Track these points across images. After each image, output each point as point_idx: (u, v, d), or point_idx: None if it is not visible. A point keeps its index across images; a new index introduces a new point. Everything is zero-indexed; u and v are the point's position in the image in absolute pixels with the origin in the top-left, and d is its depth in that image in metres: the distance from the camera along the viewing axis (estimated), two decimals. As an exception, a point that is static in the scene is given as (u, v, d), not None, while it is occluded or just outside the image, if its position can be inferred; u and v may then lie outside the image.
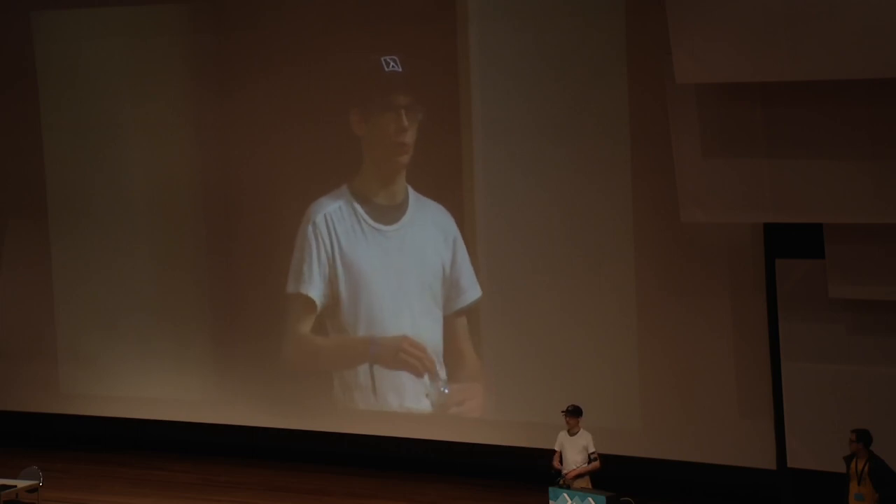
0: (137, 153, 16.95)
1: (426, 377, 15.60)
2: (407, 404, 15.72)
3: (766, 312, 13.52)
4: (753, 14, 11.69)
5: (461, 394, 15.53)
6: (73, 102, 17.12)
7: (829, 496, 11.87)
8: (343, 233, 15.85)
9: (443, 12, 15.14)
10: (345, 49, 15.65)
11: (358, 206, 15.81)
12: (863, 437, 11.40)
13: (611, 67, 14.33)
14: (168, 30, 16.63)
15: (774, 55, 11.67)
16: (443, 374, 15.58)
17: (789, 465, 13.29)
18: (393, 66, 15.44)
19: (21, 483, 13.94)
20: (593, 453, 12.58)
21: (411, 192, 15.63)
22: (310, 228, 15.96)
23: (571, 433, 12.69)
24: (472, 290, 15.35)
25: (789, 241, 13.19)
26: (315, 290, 15.95)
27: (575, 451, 12.62)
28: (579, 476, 12.54)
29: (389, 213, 15.71)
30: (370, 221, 15.75)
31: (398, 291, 15.66)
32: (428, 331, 15.56)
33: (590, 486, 12.54)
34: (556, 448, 12.75)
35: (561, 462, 12.68)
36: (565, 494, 12.34)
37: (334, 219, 15.87)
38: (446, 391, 15.56)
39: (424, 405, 15.68)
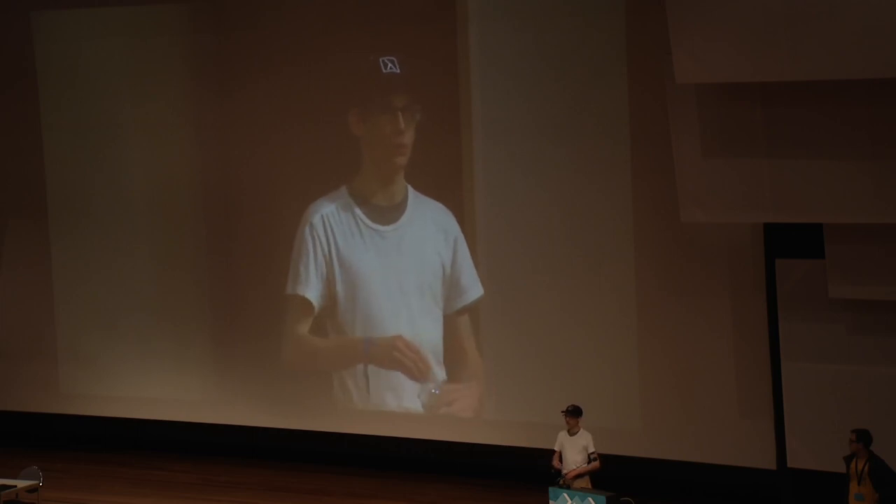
0: (137, 153, 16.95)
1: (418, 377, 15.61)
2: (405, 404, 15.72)
3: (766, 312, 13.52)
4: (753, 14, 11.68)
5: (451, 394, 15.54)
6: (73, 102, 17.12)
7: (829, 496, 11.87)
8: (340, 234, 15.85)
9: (443, 12, 15.14)
10: (344, 49, 15.65)
11: (356, 207, 15.80)
12: (863, 437, 11.40)
13: (611, 67, 14.33)
14: (168, 30, 16.63)
15: (774, 55, 11.67)
16: (440, 374, 15.57)
17: (789, 465, 13.29)
18: (391, 68, 15.44)
19: (21, 483, 13.94)
20: (593, 453, 12.58)
21: (411, 191, 15.63)
22: (307, 229, 15.96)
23: (571, 433, 12.69)
24: (473, 289, 15.35)
25: (789, 241, 13.19)
26: (312, 292, 15.95)
27: (575, 451, 12.62)
28: (579, 476, 12.54)
29: (388, 213, 15.71)
30: (368, 222, 15.75)
31: (396, 291, 15.66)
32: (427, 331, 15.56)
33: (590, 486, 12.54)
34: (556, 448, 12.74)
35: (561, 462, 12.67)
36: (565, 494, 12.34)
37: (332, 220, 15.87)
38: (436, 392, 15.56)
39: (419, 405, 15.68)
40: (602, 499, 12.06)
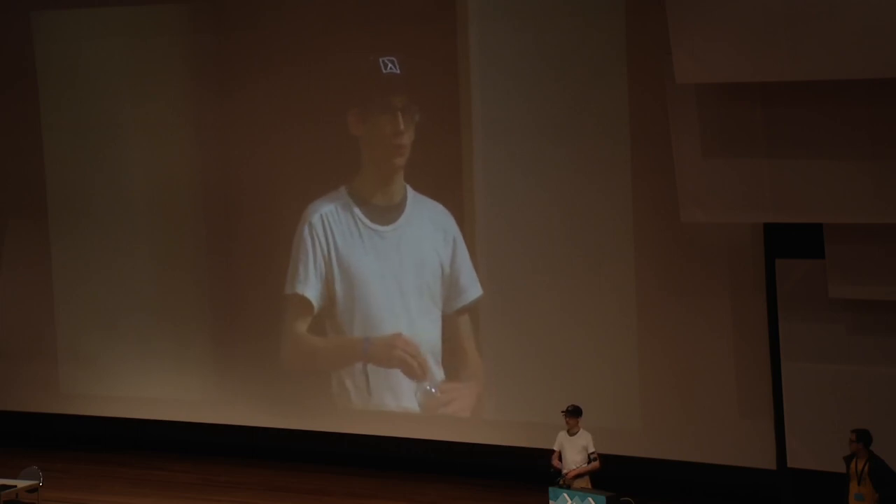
0: (137, 153, 16.95)
1: (417, 376, 15.61)
2: (404, 404, 15.72)
3: (766, 312, 13.52)
4: (753, 14, 11.68)
5: (449, 394, 15.54)
6: (73, 102, 17.12)
7: (829, 496, 11.87)
8: (340, 234, 15.85)
9: (443, 12, 15.14)
10: (344, 49, 15.65)
11: (355, 207, 15.80)
12: (863, 437, 11.40)
13: (611, 67, 14.33)
14: (168, 30, 16.63)
15: (774, 55, 11.67)
16: (438, 374, 15.57)
17: (789, 465, 13.29)
18: (391, 68, 15.44)
19: (21, 483, 13.94)
20: (593, 453, 12.57)
21: (410, 191, 15.63)
22: (306, 229, 15.96)
23: (571, 433, 12.69)
24: (472, 289, 15.35)
25: (789, 241, 13.19)
26: (311, 291, 15.95)
27: (575, 451, 12.61)
28: (579, 476, 12.54)
29: (387, 213, 15.71)
30: (367, 222, 15.75)
31: (395, 291, 15.66)
32: (426, 331, 15.56)
33: (590, 486, 12.54)
34: (556, 448, 12.74)
35: (560, 462, 12.67)
36: (565, 494, 12.34)
37: (331, 220, 15.87)
38: (433, 391, 15.56)
39: (417, 405, 15.69)
40: (602, 499, 12.06)
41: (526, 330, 15.02)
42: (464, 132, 15.14)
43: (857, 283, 12.53)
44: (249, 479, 16.03)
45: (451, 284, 15.44)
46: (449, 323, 15.48)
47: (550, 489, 12.48)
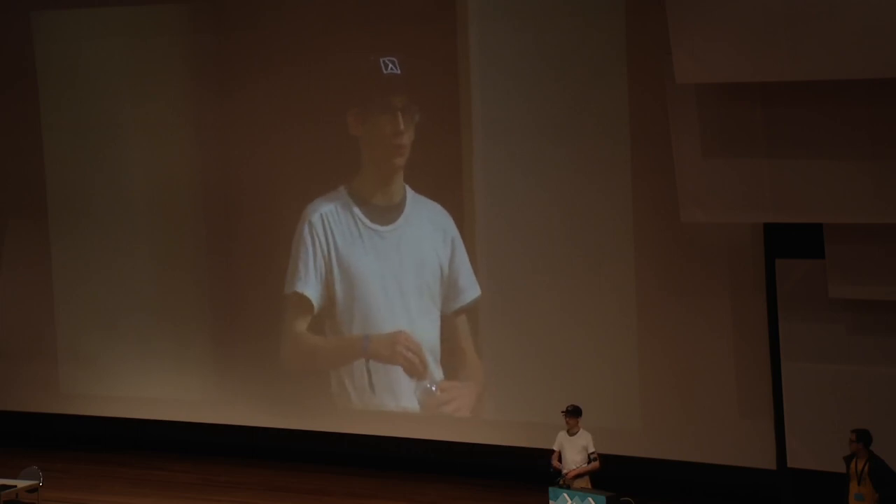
0: (137, 153, 16.96)
1: (417, 374, 15.62)
2: (403, 404, 15.72)
3: (766, 312, 13.52)
4: (753, 14, 11.68)
5: (448, 394, 15.54)
6: (73, 102, 17.12)
7: (829, 496, 11.87)
8: (339, 233, 15.86)
9: (443, 12, 15.14)
10: (344, 49, 15.65)
11: (354, 207, 15.81)
12: (863, 437, 11.40)
13: (611, 67, 14.33)
14: (168, 30, 16.63)
15: (774, 55, 11.67)
16: (438, 374, 15.57)
17: (789, 465, 13.29)
18: (392, 69, 15.44)
19: (21, 483, 13.94)
20: (593, 453, 12.57)
21: (409, 191, 15.63)
22: (306, 228, 15.97)
23: (571, 433, 12.69)
24: (471, 290, 15.35)
25: (789, 241, 13.19)
26: (311, 290, 15.95)
27: (575, 451, 12.61)
28: (579, 476, 12.54)
29: (386, 213, 15.71)
30: (366, 222, 15.75)
31: (395, 291, 15.66)
32: (425, 330, 15.56)
33: (590, 486, 12.54)
34: (556, 448, 12.74)
35: (560, 462, 12.67)
36: (565, 494, 12.34)
37: (331, 219, 15.87)
38: (434, 389, 15.56)
39: (416, 403, 15.69)
40: (602, 499, 12.06)
41: (526, 330, 15.02)
42: (464, 132, 15.14)
43: (857, 283, 12.53)
44: (249, 479, 16.04)
45: (449, 285, 15.44)
46: (448, 323, 15.49)
47: (550, 489, 12.48)
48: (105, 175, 17.09)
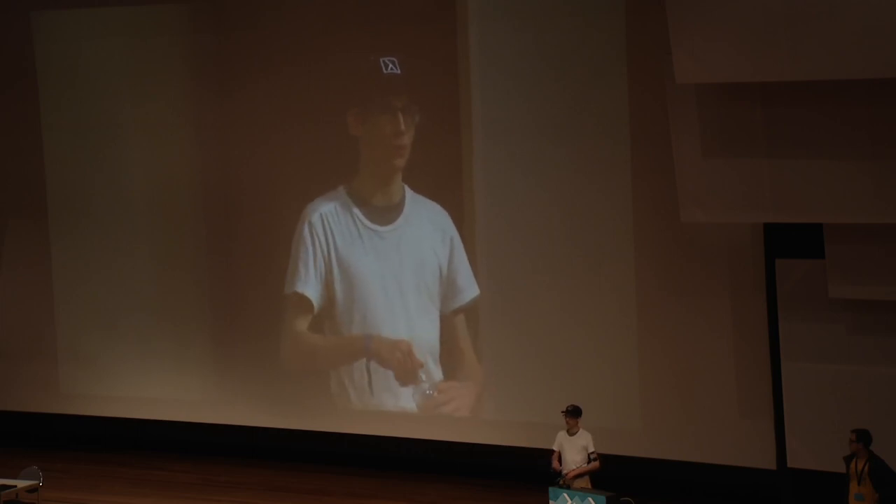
0: (137, 153, 16.96)
1: (408, 382, 15.63)
2: (402, 404, 15.72)
3: (766, 312, 13.52)
4: (753, 14, 11.68)
5: (446, 394, 15.54)
6: (73, 102, 17.12)
7: (829, 496, 11.87)
8: (339, 233, 15.86)
9: (443, 12, 15.14)
10: (344, 49, 15.65)
11: (354, 207, 15.81)
12: (863, 437, 11.40)
13: (611, 67, 14.33)
14: (168, 30, 16.63)
15: (774, 55, 11.67)
16: (437, 373, 15.56)
17: (789, 465, 13.29)
18: (392, 69, 15.44)
19: (21, 483, 13.94)
20: (593, 453, 12.57)
21: (408, 191, 15.63)
22: (306, 228, 15.97)
23: (571, 433, 12.69)
24: (469, 289, 15.35)
25: (789, 241, 13.19)
26: (312, 290, 15.95)
27: (574, 451, 12.61)
28: (579, 476, 12.54)
29: (386, 213, 15.71)
30: (366, 222, 15.75)
31: (395, 291, 15.66)
32: (425, 330, 15.56)
33: (590, 486, 12.53)
34: (555, 448, 12.73)
35: (560, 462, 12.67)
36: (565, 494, 12.33)
37: (331, 219, 15.87)
38: (431, 393, 15.55)
39: (414, 405, 15.69)
40: (602, 499, 12.06)
41: (526, 330, 15.02)
42: (464, 132, 15.14)
43: (857, 283, 12.53)
44: (249, 479, 16.03)
45: (448, 284, 15.44)
46: (447, 323, 15.49)
47: (550, 489, 12.48)
48: (105, 175, 17.09)
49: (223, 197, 16.58)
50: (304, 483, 15.80)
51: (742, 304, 13.84)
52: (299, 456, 16.53)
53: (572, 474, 12.52)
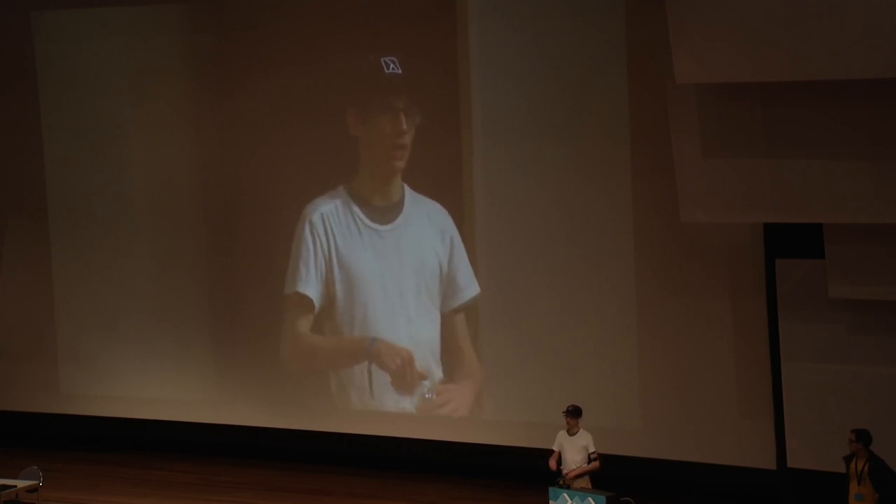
0: (137, 153, 16.96)
1: (402, 389, 15.64)
2: (402, 404, 15.72)
3: (766, 312, 13.52)
4: (753, 14, 11.68)
5: (446, 394, 15.54)
6: (73, 102, 17.12)
7: (829, 496, 11.87)
8: (339, 233, 15.85)
9: (443, 12, 15.14)
10: (344, 49, 15.65)
11: (354, 206, 15.81)
12: (863, 437, 11.40)
13: (611, 67, 14.33)
14: (168, 30, 16.63)
15: (774, 55, 11.67)
16: (437, 372, 15.56)
17: (789, 465, 13.29)
18: (393, 68, 15.44)
19: (21, 483, 13.94)
20: (593, 453, 12.57)
21: (408, 190, 15.63)
22: (307, 228, 15.96)
23: (571, 433, 12.69)
24: (469, 288, 15.35)
25: (789, 241, 13.19)
26: (312, 290, 15.95)
27: (575, 451, 12.61)
28: (579, 476, 12.54)
29: (385, 212, 15.71)
30: (366, 221, 15.75)
31: (395, 291, 15.66)
32: (425, 330, 15.56)
33: (590, 486, 12.54)
34: (555, 448, 12.73)
35: (559, 462, 12.67)
36: (565, 494, 12.34)
37: (331, 219, 15.87)
38: (430, 396, 15.56)
39: (413, 407, 15.70)
40: (602, 499, 12.06)
41: (526, 330, 15.02)
42: (464, 132, 15.14)
43: (857, 283, 12.53)
44: (249, 479, 16.04)
45: (448, 283, 15.44)
46: (447, 322, 15.48)
47: (550, 489, 12.48)
48: (105, 175, 17.09)
49: (223, 197, 16.58)
50: (304, 483, 15.80)
51: (742, 304, 13.84)
52: (299, 456, 16.53)
53: (572, 474, 12.52)
